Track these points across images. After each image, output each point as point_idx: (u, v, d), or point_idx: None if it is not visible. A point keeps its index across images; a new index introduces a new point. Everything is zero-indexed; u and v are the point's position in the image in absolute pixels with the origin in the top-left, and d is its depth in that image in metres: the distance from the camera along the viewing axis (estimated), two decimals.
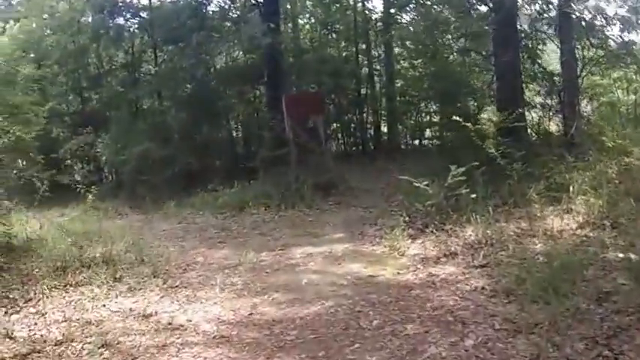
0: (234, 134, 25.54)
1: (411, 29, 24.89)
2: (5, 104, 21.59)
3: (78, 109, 27.81)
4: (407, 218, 11.80)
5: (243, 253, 10.93)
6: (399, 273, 8.97)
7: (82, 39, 25.80)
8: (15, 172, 30.48)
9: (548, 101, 19.25)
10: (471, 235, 10.02)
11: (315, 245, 11.28)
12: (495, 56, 17.38)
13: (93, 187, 19.76)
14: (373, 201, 15.27)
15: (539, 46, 19.18)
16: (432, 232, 10.71)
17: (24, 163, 30.39)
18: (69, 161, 24.93)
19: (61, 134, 25.15)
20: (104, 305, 8.59)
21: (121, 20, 24.43)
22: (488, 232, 9.72)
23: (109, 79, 25.99)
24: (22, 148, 27.79)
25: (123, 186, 20.89)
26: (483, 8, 18.55)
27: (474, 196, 10.77)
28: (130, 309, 8.31)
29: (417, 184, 11.66)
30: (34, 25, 24.98)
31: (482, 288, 7.67)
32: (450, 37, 22.76)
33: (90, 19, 25.48)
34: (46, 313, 8.38)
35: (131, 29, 24.97)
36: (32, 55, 25.54)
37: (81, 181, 21.36)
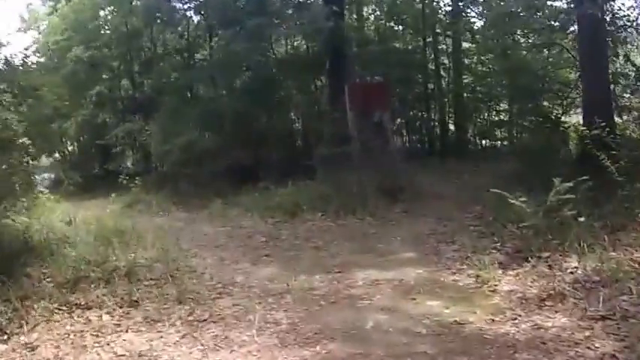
0: (293, 127, 23.29)
1: (481, 22, 23.64)
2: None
3: (128, 94, 25.86)
4: (495, 239, 9.70)
5: (293, 273, 8.89)
6: (493, 320, 6.59)
7: (136, 21, 23.96)
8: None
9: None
10: (577, 268, 7.73)
11: (381, 268, 9.01)
12: (581, 56, 15.72)
13: (138, 178, 18.37)
14: (446, 211, 12.96)
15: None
16: (527, 260, 8.39)
17: (69, 149, 29.65)
18: (117, 149, 23.35)
19: (107, 120, 23.23)
20: (109, 344, 6.56)
21: (175, 2, 22.40)
22: (599, 265, 7.45)
23: (162, 64, 23.99)
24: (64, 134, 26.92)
25: (167, 179, 18.83)
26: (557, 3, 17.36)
27: (582, 219, 8.61)
28: (139, 354, 6.21)
29: (511, 200, 9.16)
30: (85, 3, 23.40)
31: (613, 357, 5.33)
32: (521, 32, 21.60)
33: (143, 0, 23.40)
34: (37, 347, 6.52)
35: (186, 12, 22.93)
36: (82, 36, 24.04)
37: (128, 170, 19.76)
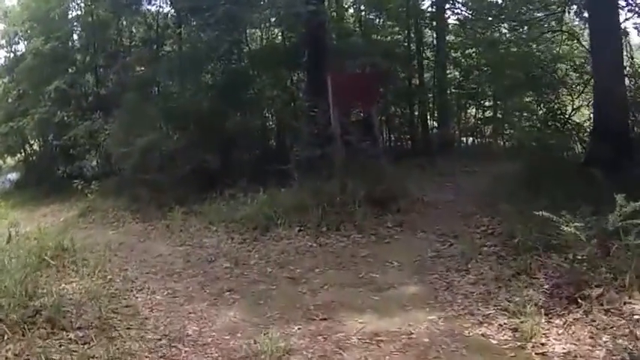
0: (266, 125, 20.73)
1: (467, 14, 21.79)
2: None
3: (91, 90, 23.00)
4: (522, 267, 7.40)
5: (262, 321, 6.62)
6: None
7: (102, 10, 21.39)
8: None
9: None
10: None
11: (380, 312, 6.66)
12: (592, 51, 13.74)
13: (95, 182, 16.08)
14: (448, 224, 10.46)
15: None
16: (576, 301, 6.07)
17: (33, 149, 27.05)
18: (75, 150, 20.70)
19: (66, 118, 20.49)
20: None
21: None
22: None
23: (127, 57, 21.20)
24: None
25: (127, 184, 16.21)
26: None
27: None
28: None
29: (564, 227, 6.64)
30: None
31: None
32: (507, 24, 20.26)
33: None
34: None
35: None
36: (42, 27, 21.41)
37: (88, 173, 17.25)
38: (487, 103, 22.60)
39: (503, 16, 19.70)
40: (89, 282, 8.48)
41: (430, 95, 22.41)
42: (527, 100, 20.66)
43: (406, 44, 22.20)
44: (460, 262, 8.16)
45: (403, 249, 9.16)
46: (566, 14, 18.22)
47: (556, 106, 17.62)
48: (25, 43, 24.00)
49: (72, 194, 17.42)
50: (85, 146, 20.27)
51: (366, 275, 8.02)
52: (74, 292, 7.99)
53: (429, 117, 22.32)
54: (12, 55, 24.96)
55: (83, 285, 8.31)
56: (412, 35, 22.05)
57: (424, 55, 22.51)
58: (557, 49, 20.13)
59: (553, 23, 19.17)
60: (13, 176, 29.15)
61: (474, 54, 22.16)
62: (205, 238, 11.19)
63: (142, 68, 21.08)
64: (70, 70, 22.28)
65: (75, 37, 23.23)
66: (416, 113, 22.17)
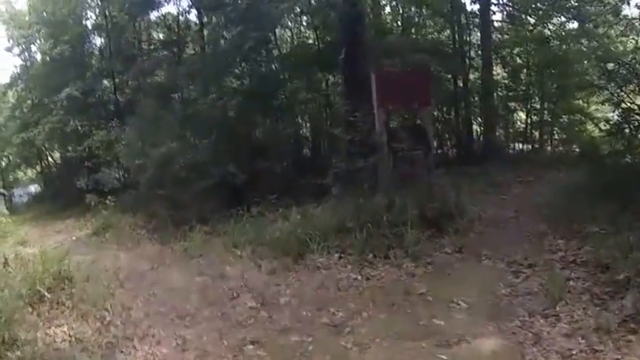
0: (300, 133, 19.25)
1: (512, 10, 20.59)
2: None
3: (106, 97, 21.68)
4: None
5: None
6: None
7: (117, 12, 20.03)
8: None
9: None
10: None
11: None
12: None
13: (111, 197, 14.77)
14: (515, 246, 8.80)
15: None
16: None
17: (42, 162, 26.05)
18: (88, 163, 19.44)
19: (79, 128, 19.20)
20: None
21: None
22: None
23: (146, 60, 19.82)
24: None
25: (142, 199, 14.79)
26: None
27: None
28: None
29: None
30: None
31: None
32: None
33: None
34: None
35: None
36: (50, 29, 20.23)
37: (99, 188, 15.92)
38: (538, 106, 20.87)
39: (556, 11, 18.64)
40: (84, 325, 7.14)
41: (475, 98, 20.81)
42: (593, 100, 18.82)
43: (450, 43, 20.60)
44: (544, 303, 6.46)
45: (468, 282, 7.46)
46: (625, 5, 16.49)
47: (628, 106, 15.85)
48: (35, 48, 22.88)
49: (89, 209, 16.42)
50: (102, 157, 18.93)
51: (428, 322, 6.34)
52: (63, 339, 6.95)
53: (473, 121, 20.75)
54: (24, 61, 23.96)
55: (76, 329, 7.08)
56: (455, 33, 20.48)
57: (468, 54, 20.89)
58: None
59: (610, 17, 17.81)
60: (33, 189, 28.33)
61: (522, 52, 20.71)
62: (228, 265, 9.60)
63: (162, 73, 19.70)
64: (84, 76, 21.02)
65: (89, 41, 22.09)
66: (460, 117, 20.55)
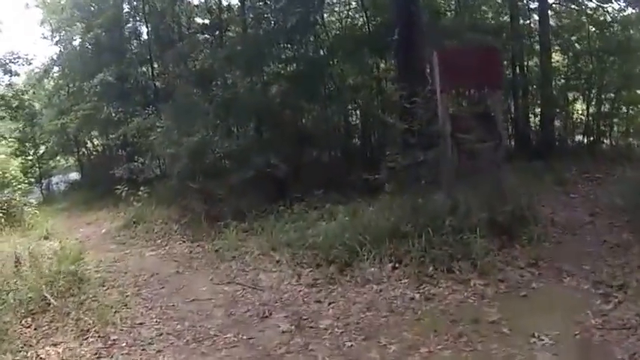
0: (349, 122, 17.81)
1: None
2: None
3: (143, 83, 20.66)
4: None
5: None
6: None
7: None
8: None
9: None
10: None
11: None
12: None
13: (143, 188, 14.68)
14: (598, 259, 7.52)
15: None
16: None
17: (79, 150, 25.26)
18: (122, 151, 18.44)
19: (113, 115, 18.23)
20: None
21: None
22: None
23: (184, 44, 18.66)
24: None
25: (177, 192, 13.68)
26: None
27: None
28: None
29: None
30: None
31: None
32: None
33: None
34: None
35: None
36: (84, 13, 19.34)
37: (133, 178, 14.79)
38: (598, 96, 19.19)
39: None
40: (84, 345, 6.06)
41: (533, 86, 19.14)
42: None
43: (506, 27, 18.96)
44: None
45: (549, 308, 6.05)
46: None
47: None
48: (70, 33, 21.95)
49: (123, 199, 15.22)
50: (137, 146, 17.84)
51: None
52: None
53: (529, 112, 19.18)
54: (60, 47, 23.10)
55: (73, 351, 6.05)
56: (512, 17, 18.83)
57: (527, 39, 19.26)
58: None
59: None
60: (71, 177, 27.62)
61: (582, 38, 18.95)
62: (263, 271, 8.39)
63: (201, 57, 18.54)
64: (121, 62, 20.00)
65: (126, 25, 21.06)
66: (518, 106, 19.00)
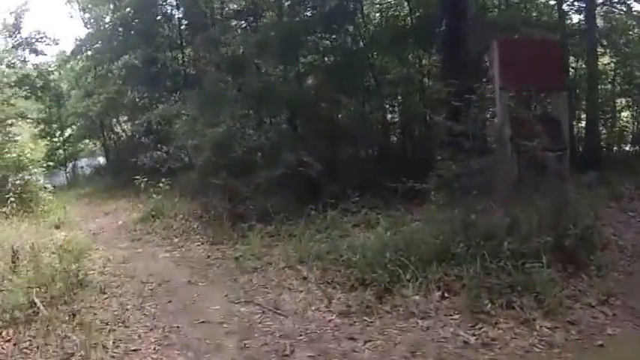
0: (386, 119, 16.57)
1: None
2: None
3: (174, 68, 19.60)
4: None
5: None
6: None
7: None
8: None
9: None
10: None
11: None
12: None
13: (164, 179, 13.93)
14: None
15: None
16: None
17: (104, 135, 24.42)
18: (145, 139, 17.44)
19: (137, 100, 17.23)
20: None
21: None
22: None
23: (216, 29, 17.53)
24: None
25: (200, 185, 12.67)
26: None
27: None
28: None
29: None
30: None
31: None
32: None
33: None
34: None
35: None
36: None
37: (155, 167, 14.76)
38: None
39: None
40: None
41: (577, 90, 17.68)
42: None
43: (555, 24, 17.58)
44: None
45: None
46: None
47: None
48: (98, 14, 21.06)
49: (146, 189, 14.26)
50: (161, 134, 16.81)
51: None
52: None
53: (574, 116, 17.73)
54: (88, 28, 22.27)
55: None
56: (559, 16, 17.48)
57: (574, 39, 17.89)
58: None
59: None
60: (97, 161, 26.90)
61: (630, 41, 17.66)
62: (288, 290, 7.21)
63: (233, 43, 17.45)
64: (149, 45, 18.98)
65: (156, 8, 19.90)
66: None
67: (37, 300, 6.67)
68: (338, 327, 5.91)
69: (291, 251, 8.65)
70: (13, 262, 8.49)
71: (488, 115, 8.69)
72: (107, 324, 6.19)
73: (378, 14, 17.98)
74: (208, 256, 9.44)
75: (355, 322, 5.97)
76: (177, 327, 6.21)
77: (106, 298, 7.14)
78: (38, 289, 7.22)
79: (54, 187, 21.99)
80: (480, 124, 8.56)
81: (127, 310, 6.75)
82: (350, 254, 7.56)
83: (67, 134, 25.18)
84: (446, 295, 6.38)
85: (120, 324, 6.24)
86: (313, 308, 6.47)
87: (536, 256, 6.60)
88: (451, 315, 5.95)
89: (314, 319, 6.15)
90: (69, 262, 8.19)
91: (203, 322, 6.35)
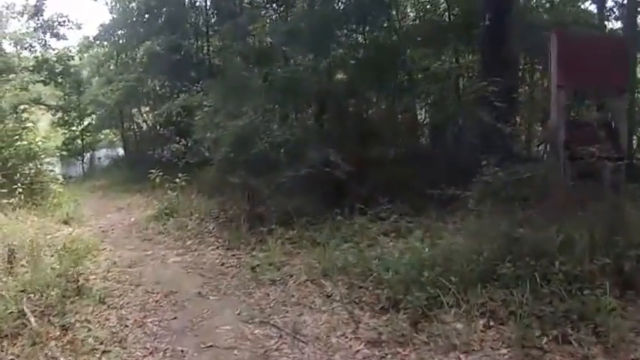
0: (417, 120, 15.74)
1: None
2: None
3: (195, 57, 18.90)
4: None
5: None
6: None
7: None
8: None
9: None
10: None
11: None
12: None
13: (181, 174, 12.96)
14: None
15: None
16: None
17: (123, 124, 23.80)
18: (164, 130, 16.79)
19: (157, 88, 16.55)
20: None
21: None
22: None
23: (244, 16, 16.78)
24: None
25: (218, 182, 12.18)
26: None
27: None
28: None
29: None
30: None
31: None
32: None
33: None
34: None
35: None
36: None
37: (173, 160, 14.38)
38: None
39: None
40: None
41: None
42: None
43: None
44: None
45: None
46: None
47: None
48: None
49: (161, 183, 13.53)
50: (181, 125, 16.07)
51: None
52: None
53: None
54: (111, 13, 21.68)
55: None
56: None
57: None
58: None
59: None
60: (116, 152, 26.36)
61: None
62: (309, 310, 6.33)
63: (260, 31, 16.71)
64: (173, 31, 18.27)
65: None
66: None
67: (27, 310, 5.99)
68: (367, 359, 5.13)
69: (314, 261, 7.79)
70: (10, 262, 7.87)
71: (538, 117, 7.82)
72: (102, 343, 5.47)
73: (414, 8, 17.27)
74: (222, 263, 8.59)
75: (387, 355, 5.10)
76: (181, 351, 5.44)
77: (104, 310, 6.42)
78: (33, 295, 6.60)
79: (70, 177, 21.54)
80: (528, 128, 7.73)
81: (126, 326, 6.00)
82: (381, 269, 6.72)
83: (85, 123, 24.68)
84: (491, 323, 5.49)
85: (116, 344, 5.51)
86: (338, 334, 5.60)
87: (591, 280, 5.76)
88: (498, 349, 5.07)
89: (339, 348, 5.30)
90: (70, 265, 7.55)
91: (211, 346, 5.54)
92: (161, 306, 6.70)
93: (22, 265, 7.51)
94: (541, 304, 5.54)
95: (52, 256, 8.27)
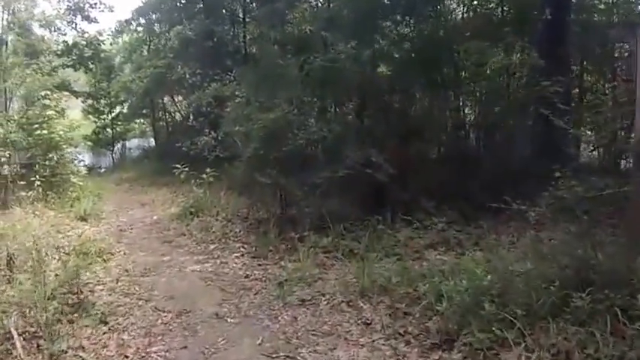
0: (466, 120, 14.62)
1: None
2: None
3: (230, 44, 18.07)
4: None
5: None
6: None
7: None
8: None
9: None
10: None
11: None
12: None
13: (209, 170, 12.38)
14: None
15: None
16: None
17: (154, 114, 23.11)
18: (194, 121, 16.08)
19: (187, 76, 15.78)
20: None
21: None
22: None
23: (283, 2, 15.95)
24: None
25: (248, 181, 11.11)
26: None
27: None
28: None
29: None
30: None
31: None
32: None
33: None
34: None
35: None
36: None
37: (202, 154, 13.09)
38: None
39: None
40: None
41: None
42: None
43: None
44: None
45: None
46: None
47: None
48: None
49: (187, 179, 12.88)
50: (210, 117, 15.25)
51: None
52: None
53: None
54: None
55: None
56: None
57: None
58: None
59: None
60: (147, 143, 25.81)
61: None
62: (343, 341, 5.36)
63: (300, 18, 15.83)
64: (207, 16, 17.51)
65: None
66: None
67: (14, 331, 5.19)
68: None
69: (350, 276, 6.93)
70: (9, 268, 7.10)
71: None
72: None
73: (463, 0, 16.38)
74: (246, 275, 7.68)
75: None
76: None
77: (104, 333, 5.55)
78: (28, 311, 5.83)
79: (100, 168, 20.98)
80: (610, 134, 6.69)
81: (125, 357, 5.11)
82: (431, 295, 5.75)
83: (116, 111, 24.10)
84: None
85: None
86: None
87: None
88: None
89: None
90: (75, 272, 6.75)
91: None
92: (170, 330, 5.76)
93: (26, 271, 6.76)
94: (622, 345, 4.55)
95: (60, 259, 7.57)
